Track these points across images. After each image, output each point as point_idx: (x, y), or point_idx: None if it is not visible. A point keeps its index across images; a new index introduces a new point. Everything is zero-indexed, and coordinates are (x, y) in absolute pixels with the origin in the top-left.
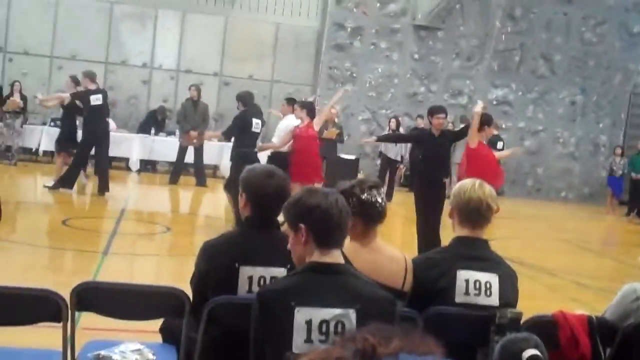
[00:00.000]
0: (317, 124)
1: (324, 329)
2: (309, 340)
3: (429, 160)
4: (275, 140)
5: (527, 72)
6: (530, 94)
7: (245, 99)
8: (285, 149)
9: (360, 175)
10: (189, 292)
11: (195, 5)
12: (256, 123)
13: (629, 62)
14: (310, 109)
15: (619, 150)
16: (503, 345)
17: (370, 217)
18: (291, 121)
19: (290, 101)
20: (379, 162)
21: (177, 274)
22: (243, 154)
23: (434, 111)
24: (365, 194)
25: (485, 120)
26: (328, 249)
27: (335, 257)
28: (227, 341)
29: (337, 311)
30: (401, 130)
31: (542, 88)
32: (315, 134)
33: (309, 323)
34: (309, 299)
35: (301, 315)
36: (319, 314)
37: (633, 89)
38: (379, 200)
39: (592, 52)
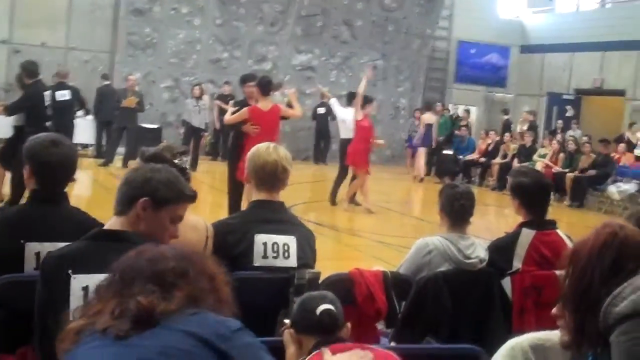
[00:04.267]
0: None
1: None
2: None
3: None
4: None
5: (329, 38)
6: (334, 59)
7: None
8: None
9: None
10: None
11: None
12: (47, 96)
13: (427, 27)
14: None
15: (418, 114)
16: (300, 302)
17: None
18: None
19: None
20: (182, 130)
21: None
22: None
23: (245, 79)
24: (177, 160)
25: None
26: (117, 217)
27: (117, 224)
28: (16, 321)
29: None
30: (205, 97)
31: (345, 53)
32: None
33: (85, 289)
34: (86, 266)
35: (77, 282)
36: (94, 279)
37: (431, 54)
38: (187, 167)
39: (392, 18)
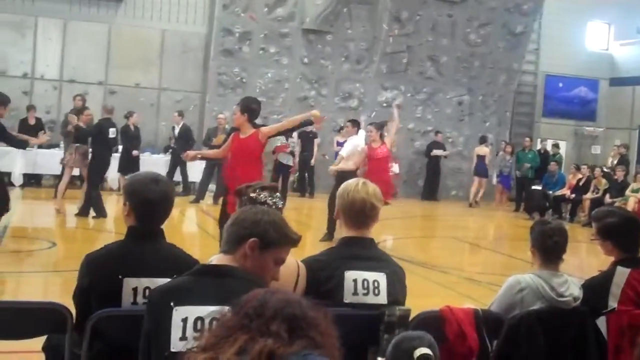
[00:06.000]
0: (389, 143)
1: (198, 326)
2: (183, 337)
3: None
4: (345, 161)
5: (415, 74)
6: (419, 95)
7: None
8: (351, 167)
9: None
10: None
11: (77, 13)
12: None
13: (513, 61)
14: (382, 129)
15: (508, 148)
16: (396, 342)
17: None
18: (358, 141)
19: (355, 123)
20: (270, 167)
21: (64, 290)
22: None
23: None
24: (254, 194)
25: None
26: (223, 254)
27: (223, 261)
28: (113, 355)
29: (212, 308)
30: (294, 135)
31: (430, 89)
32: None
33: (184, 321)
34: (188, 298)
35: (178, 314)
36: (194, 311)
37: (517, 88)
38: (269, 202)
39: (477, 53)
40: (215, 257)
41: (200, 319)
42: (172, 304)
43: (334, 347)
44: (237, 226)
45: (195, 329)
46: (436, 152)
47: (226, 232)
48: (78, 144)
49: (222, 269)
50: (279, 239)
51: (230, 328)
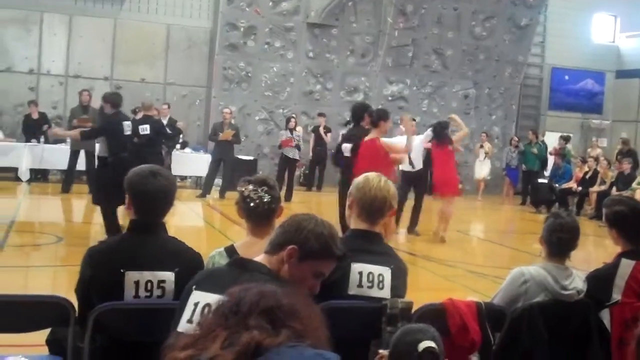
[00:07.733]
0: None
1: (205, 311)
2: (190, 320)
3: None
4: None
5: (420, 67)
6: (425, 89)
7: (114, 100)
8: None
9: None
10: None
11: (82, 8)
12: (127, 125)
13: (518, 54)
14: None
15: (514, 142)
16: (400, 335)
17: (247, 211)
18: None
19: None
20: (277, 161)
21: (71, 284)
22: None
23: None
24: (241, 187)
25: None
26: (264, 254)
27: (262, 258)
28: (115, 348)
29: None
30: (299, 129)
31: (436, 82)
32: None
33: (196, 305)
34: (208, 285)
35: (193, 297)
36: (206, 298)
37: (523, 81)
38: (252, 196)
39: (483, 46)
40: (259, 256)
41: (208, 305)
42: (194, 287)
43: (317, 331)
44: (282, 229)
45: (201, 314)
46: None
47: (274, 232)
48: None
49: (252, 263)
50: (319, 251)
51: (209, 326)
